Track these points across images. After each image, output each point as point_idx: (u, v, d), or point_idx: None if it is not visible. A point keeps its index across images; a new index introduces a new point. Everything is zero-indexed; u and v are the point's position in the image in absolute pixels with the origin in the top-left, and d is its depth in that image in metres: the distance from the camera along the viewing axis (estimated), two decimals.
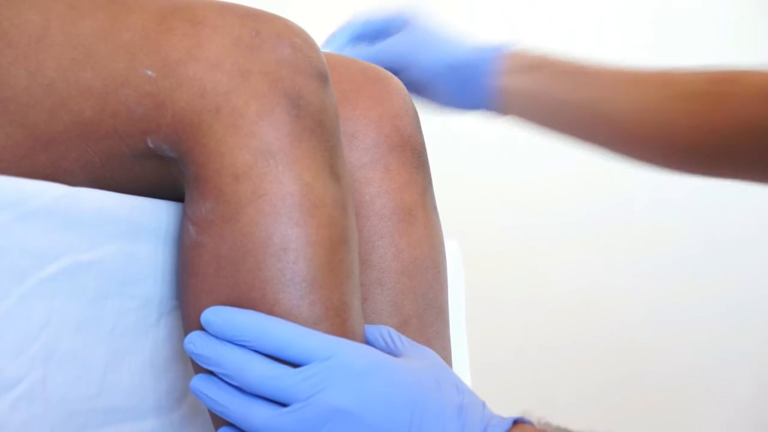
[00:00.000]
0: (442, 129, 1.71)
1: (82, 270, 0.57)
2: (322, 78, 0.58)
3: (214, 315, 0.53)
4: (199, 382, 0.54)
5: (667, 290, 1.90)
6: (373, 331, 0.59)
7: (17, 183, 0.54)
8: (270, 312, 0.54)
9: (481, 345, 1.27)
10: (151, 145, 0.57)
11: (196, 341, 0.53)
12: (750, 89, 0.71)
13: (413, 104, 0.74)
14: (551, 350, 1.92)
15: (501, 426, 0.52)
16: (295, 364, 0.52)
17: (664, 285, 1.86)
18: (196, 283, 0.55)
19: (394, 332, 0.59)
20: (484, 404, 0.54)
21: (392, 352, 0.57)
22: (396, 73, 0.88)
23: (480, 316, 1.34)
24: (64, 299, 0.56)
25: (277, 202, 0.54)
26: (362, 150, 0.69)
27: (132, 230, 0.59)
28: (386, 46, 0.89)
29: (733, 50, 2.09)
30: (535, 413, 1.88)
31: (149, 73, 0.55)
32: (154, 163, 0.58)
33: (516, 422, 0.54)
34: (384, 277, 0.67)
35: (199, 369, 0.56)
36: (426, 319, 0.68)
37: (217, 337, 0.53)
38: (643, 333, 1.96)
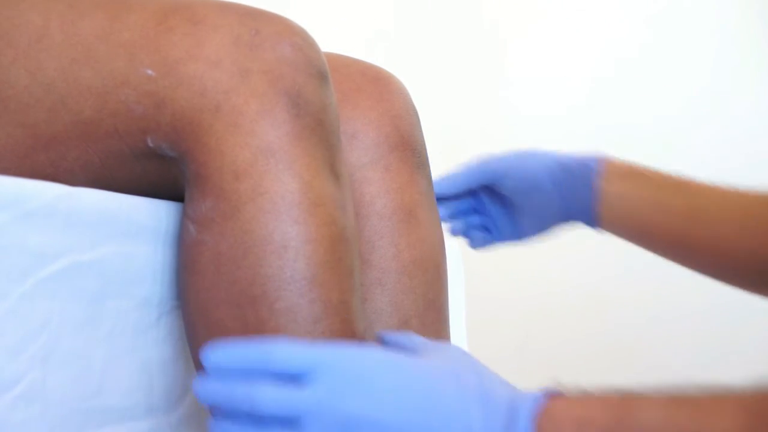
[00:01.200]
0: (442, 129, 1.71)
1: (82, 270, 0.57)
2: (322, 77, 0.58)
3: (212, 353, 0.51)
4: (214, 425, 0.52)
5: (667, 289, 1.90)
6: (390, 335, 0.58)
7: (17, 183, 0.54)
8: (270, 309, 0.54)
9: (481, 345, 1.27)
10: (151, 144, 0.57)
11: (200, 386, 0.51)
12: None
13: (413, 104, 0.74)
14: (551, 350, 1.92)
15: (527, 407, 0.49)
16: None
17: (664, 284, 1.86)
18: (196, 281, 0.55)
19: (412, 334, 0.58)
20: (509, 385, 0.52)
21: (408, 352, 0.55)
22: (497, 179, 0.86)
23: (480, 316, 1.34)
24: (64, 299, 0.56)
25: (277, 200, 0.54)
26: (362, 150, 0.69)
27: (132, 230, 0.59)
28: (491, 155, 0.88)
29: (733, 50, 2.09)
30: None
31: (149, 72, 0.55)
32: (154, 162, 0.58)
33: (547, 396, 0.50)
34: (384, 277, 0.67)
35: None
36: (426, 319, 0.68)
37: (221, 372, 0.51)
38: (644, 332, 1.96)
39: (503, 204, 0.89)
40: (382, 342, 0.58)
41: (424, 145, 0.73)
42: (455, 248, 0.98)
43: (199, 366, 0.57)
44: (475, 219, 0.92)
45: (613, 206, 0.81)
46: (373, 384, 0.49)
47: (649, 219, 0.79)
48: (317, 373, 0.49)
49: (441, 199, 0.89)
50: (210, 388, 0.50)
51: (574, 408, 0.47)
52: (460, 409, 0.49)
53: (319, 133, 0.57)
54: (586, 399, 0.48)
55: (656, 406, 0.46)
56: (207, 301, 0.55)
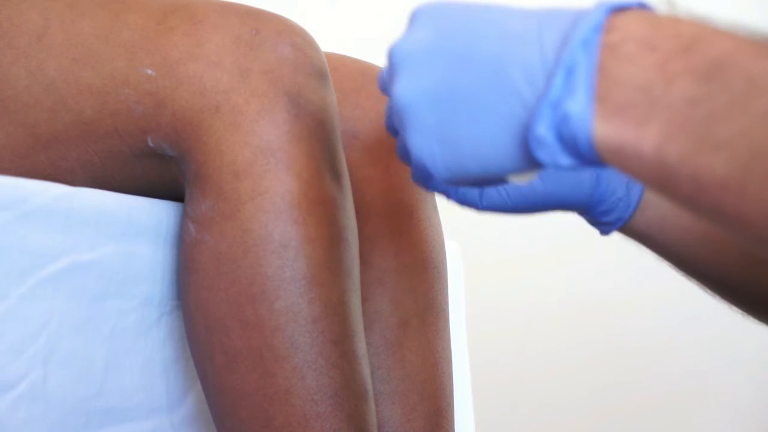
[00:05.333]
0: None
1: (82, 270, 0.57)
2: (323, 77, 0.58)
3: None
4: None
5: (667, 295, 1.90)
6: None
7: (17, 183, 0.54)
8: (270, 309, 0.54)
9: (481, 345, 1.26)
10: (151, 144, 0.57)
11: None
12: None
13: None
14: (552, 350, 1.92)
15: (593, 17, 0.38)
16: None
17: (664, 289, 1.86)
18: (196, 280, 0.56)
19: None
20: None
21: None
22: None
23: (480, 316, 1.34)
24: (64, 299, 0.56)
25: (277, 200, 0.54)
26: (363, 149, 0.69)
27: (132, 230, 0.59)
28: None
29: None
30: (537, 413, 1.88)
31: (149, 72, 0.55)
32: (154, 162, 0.58)
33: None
34: (384, 276, 0.67)
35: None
36: (426, 319, 0.68)
37: None
38: (644, 335, 1.96)
39: None
40: None
41: None
42: (455, 248, 0.98)
43: (199, 366, 0.57)
44: None
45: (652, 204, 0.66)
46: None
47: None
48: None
49: None
50: None
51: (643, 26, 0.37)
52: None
53: (320, 133, 0.57)
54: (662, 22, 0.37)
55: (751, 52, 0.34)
56: (207, 301, 0.55)
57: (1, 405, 0.53)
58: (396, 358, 0.66)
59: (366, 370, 0.58)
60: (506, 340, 1.91)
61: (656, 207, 0.63)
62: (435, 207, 0.73)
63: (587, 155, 0.37)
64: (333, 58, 0.72)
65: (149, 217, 0.60)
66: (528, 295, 1.92)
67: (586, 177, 0.61)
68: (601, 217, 0.63)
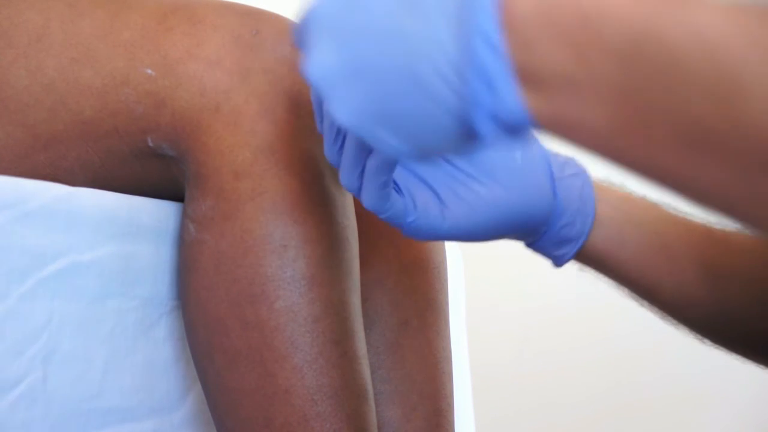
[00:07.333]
0: None
1: (82, 270, 0.57)
2: None
3: None
4: None
5: None
6: None
7: (17, 183, 0.54)
8: (270, 308, 0.54)
9: (481, 345, 1.26)
10: (151, 144, 0.57)
11: None
12: None
13: None
14: (552, 350, 1.92)
15: None
16: None
17: None
18: (196, 281, 0.56)
19: None
20: None
21: None
22: None
23: (480, 316, 1.34)
24: (64, 299, 0.56)
25: (277, 200, 0.54)
26: None
27: (132, 230, 0.59)
28: None
29: None
30: (537, 413, 1.88)
31: (149, 71, 0.55)
32: (154, 162, 0.58)
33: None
34: (384, 276, 0.67)
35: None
36: (426, 319, 0.68)
37: None
38: (644, 335, 1.96)
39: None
40: None
41: None
42: (455, 248, 0.98)
43: (199, 366, 0.57)
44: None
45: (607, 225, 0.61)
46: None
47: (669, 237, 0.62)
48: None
49: None
50: None
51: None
52: None
53: (320, 133, 0.57)
54: None
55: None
56: (207, 300, 0.55)
57: (1, 405, 0.53)
58: (396, 358, 0.66)
59: (366, 370, 0.58)
60: (506, 340, 1.91)
61: (612, 219, 0.60)
62: None
63: (528, 129, 0.37)
64: None
65: (149, 217, 0.60)
66: (528, 295, 1.92)
67: (544, 182, 0.57)
68: (564, 231, 0.59)
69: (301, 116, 0.56)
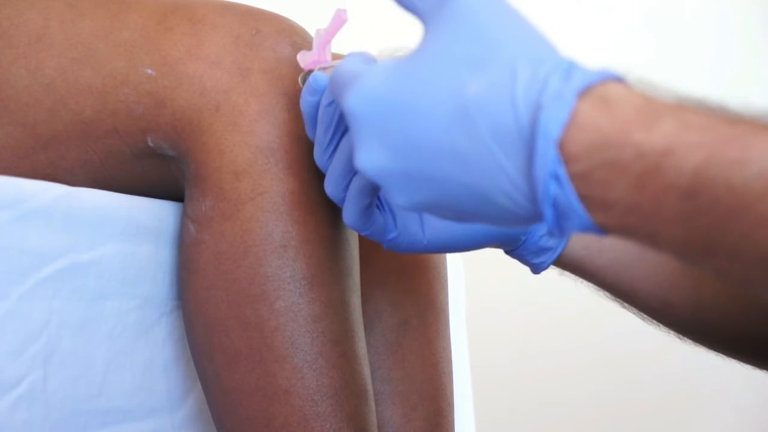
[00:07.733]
0: None
1: (82, 270, 0.57)
2: None
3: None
4: None
5: None
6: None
7: (17, 183, 0.54)
8: (270, 309, 0.54)
9: (481, 345, 1.26)
10: (150, 144, 0.57)
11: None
12: None
13: None
14: (552, 350, 1.92)
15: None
16: None
17: None
18: (196, 281, 0.56)
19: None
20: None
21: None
22: None
23: (480, 316, 1.34)
24: (64, 299, 0.56)
25: (277, 200, 0.54)
26: None
27: (132, 230, 0.59)
28: None
29: (733, 50, 2.09)
30: (537, 414, 1.88)
31: (149, 71, 0.55)
32: (154, 161, 0.58)
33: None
34: (384, 276, 0.67)
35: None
36: (426, 319, 0.68)
37: None
38: (644, 335, 1.96)
39: None
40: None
41: None
42: None
43: (199, 366, 0.57)
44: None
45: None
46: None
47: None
48: None
49: None
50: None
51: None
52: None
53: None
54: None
55: None
56: (207, 300, 0.55)
57: (1, 405, 0.53)
58: (396, 358, 0.66)
59: (366, 370, 0.58)
60: (506, 340, 1.91)
61: None
62: None
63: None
64: (333, 57, 0.72)
65: (149, 217, 0.60)
66: (528, 295, 1.92)
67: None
68: (543, 240, 0.60)
69: (300, 116, 0.56)
